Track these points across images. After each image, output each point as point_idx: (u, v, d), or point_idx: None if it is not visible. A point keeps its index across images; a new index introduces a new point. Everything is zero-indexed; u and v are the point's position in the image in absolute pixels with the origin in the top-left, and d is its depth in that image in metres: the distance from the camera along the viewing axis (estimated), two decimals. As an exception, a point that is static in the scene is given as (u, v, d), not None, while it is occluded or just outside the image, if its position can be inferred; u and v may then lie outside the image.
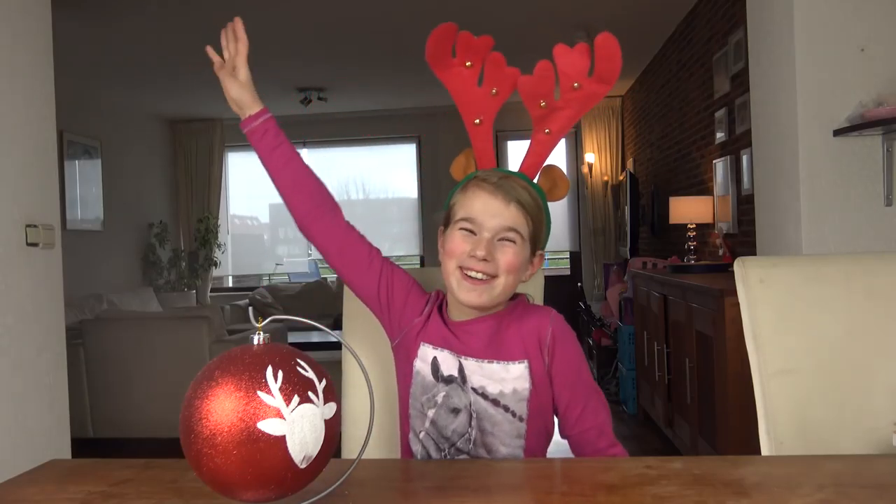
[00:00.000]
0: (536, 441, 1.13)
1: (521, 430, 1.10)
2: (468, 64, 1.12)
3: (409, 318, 1.16)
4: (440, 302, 1.18)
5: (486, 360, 1.10)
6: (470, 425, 1.10)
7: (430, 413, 1.12)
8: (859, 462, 0.99)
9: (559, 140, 1.15)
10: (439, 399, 1.11)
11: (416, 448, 1.15)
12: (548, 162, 1.17)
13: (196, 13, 4.55)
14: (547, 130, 1.14)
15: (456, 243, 1.09)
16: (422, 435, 1.13)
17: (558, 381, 1.12)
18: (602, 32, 1.08)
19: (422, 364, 1.13)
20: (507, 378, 1.10)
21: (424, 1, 4.48)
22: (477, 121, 1.14)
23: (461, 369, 1.11)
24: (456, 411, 1.10)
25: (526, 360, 1.10)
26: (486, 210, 1.07)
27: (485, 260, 1.07)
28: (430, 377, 1.12)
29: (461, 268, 1.08)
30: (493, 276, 1.08)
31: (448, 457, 1.12)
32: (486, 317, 1.13)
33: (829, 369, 1.16)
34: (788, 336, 1.17)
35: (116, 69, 5.83)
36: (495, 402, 1.10)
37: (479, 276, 1.08)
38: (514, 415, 1.09)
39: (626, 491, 0.84)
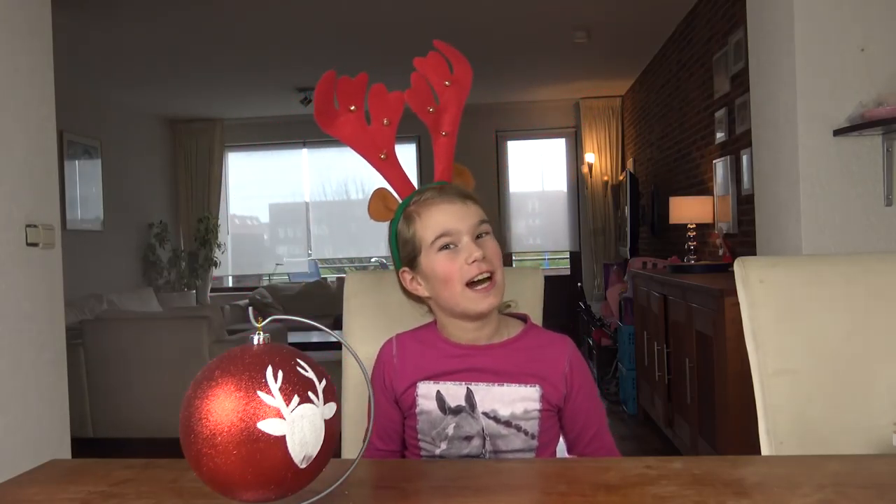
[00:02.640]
0: (544, 455, 1.15)
1: (532, 446, 1.12)
2: (352, 108, 1.14)
3: (391, 381, 1.16)
4: (422, 331, 1.18)
5: (496, 384, 1.11)
6: (484, 447, 1.11)
7: (443, 445, 1.12)
8: (859, 462, 0.99)
9: (455, 137, 1.19)
10: (450, 431, 1.11)
11: None
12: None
13: (197, 13, 4.55)
14: (444, 132, 1.17)
15: (446, 265, 1.08)
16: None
17: (575, 408, 1.14)
18: (434, 41, 1.18)
19: (425, 401, 1.12)
20: (517, 400, 1.11)
21: (425, 1, 4.48)
22: (382, 155, 1.15)
23: (469, 396, 1.11)
24: (469, 438, 1.11)
25: (538, 385, 1.11)
26: (453, 216, 1.08)
27: (484, 258, 1.08)
28: (436, 412, 1.12)
29: (468, 284, 1.08)
30: (493, 273, 1.09)
31: None
32: (498, 344, 1.14)
33: (829, 369, 1.16)
34: (788, 336, 1.17)
35: (116, 69, 5.83)
36: (507, 424, 1.11)
37: (486, 276, 1.08)
38: (526, 433, 1.11)
39: (626, 491, 0.84)
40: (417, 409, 1.13)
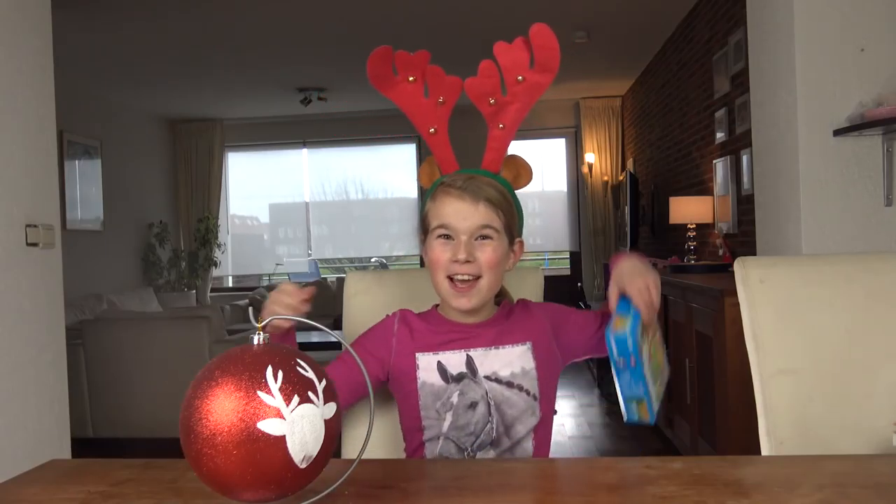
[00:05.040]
0: (546, 417, 1.17)
1: (535, 408, 1.15)
2: (411, 79, 1.16)
3: (389, 353, 1.17)
4: (426, 312, 1.22)
5: (492, 348, 1.15)
6: (490, 414, 1.13)
7: (448, 416, 1.13)
8: (859, 462, 0.99)
9: (514, 132, 1.19)
10: (455, 399, 1.13)
11: (432, 457, 1.15)
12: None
13: (197, 13, 4.55)
14: (501, 125, 1.17)
15: (437, 253, 1.14)
16: (441, 441, 1.13)
17: (571, 329, 1.21)
18: (535, 24, 1.12)
19: (426, 374, 1.14)
20: (514, 359, 1.15)
21: (424, 2, 4.48)
22: (432, 130, 1.18)
23: (469, 362, 1.14)
24: (474, 405, 1.13)
25: (529, 342, 1.16)
26: (458, 214, 1.12)
27: (467, 261, 1.11)
28: (439, 382, 1.14)
29: (449, 277, 1.13)
30: (478, 277, 1.12)
31: (471, 454, 1.13)
32: (489, 319, 1.19)
33: (829, 369, 1.16)
34: (788, 336, 1.17)
35: (116, 69, 5.83)
36: (509, 384, 1.14)
37: (466, 277, 1.12)
38: (528, 393, 1.14)
39: (626, 491, 0.84)
40: (419, 383, 1.14)
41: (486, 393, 1.13)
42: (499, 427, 1.13)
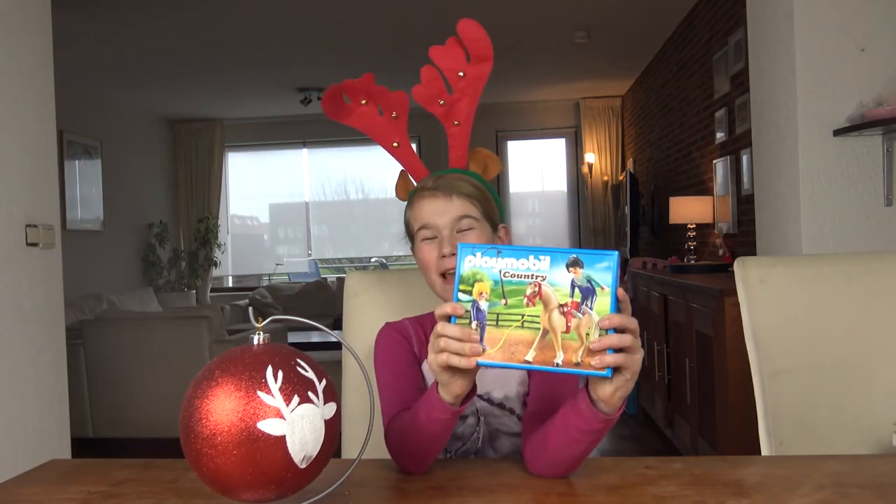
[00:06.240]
0: None
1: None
2: (363, 102, 1.23)
3: (416, 358, 1.17)
4: (423, 317, 1.20)
5: None
6: (477, 426, 1.14)
7: None
8: (859, 462, 0.99)
9: (470, 126, 1.23)
10: None
11: None
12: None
13: (196, 13, 4.55)
14: (456, 122, 1.22)
15: (425, 254, 1.14)
16: None
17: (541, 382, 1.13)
18: (461, 20, 1.18)
19: (427, 383, 1.15)
20: (511, 382, 1.13)
21: (424, 2, 4.48)
22: (395, 144, 1.25)
23: None
24: (463, 417, 1.13)
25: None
26: (434, 211, 1.13)
27: (454, 254, 1.09)
28: None
29: (441, 275, 1.12)
30: None
31: (454, 456, 1.14)
32: None
33: (829, 369, 1.16)
34: (788, 336, 1.17)
35: (116, 69, 5.83)
36: (501, 406, 1.13)
37: None
38: (518, 417, 1.13)
39: (626, 491, 0.84)
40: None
41: (478, 410, 1.14)
42: (484, 439, 1.14)
